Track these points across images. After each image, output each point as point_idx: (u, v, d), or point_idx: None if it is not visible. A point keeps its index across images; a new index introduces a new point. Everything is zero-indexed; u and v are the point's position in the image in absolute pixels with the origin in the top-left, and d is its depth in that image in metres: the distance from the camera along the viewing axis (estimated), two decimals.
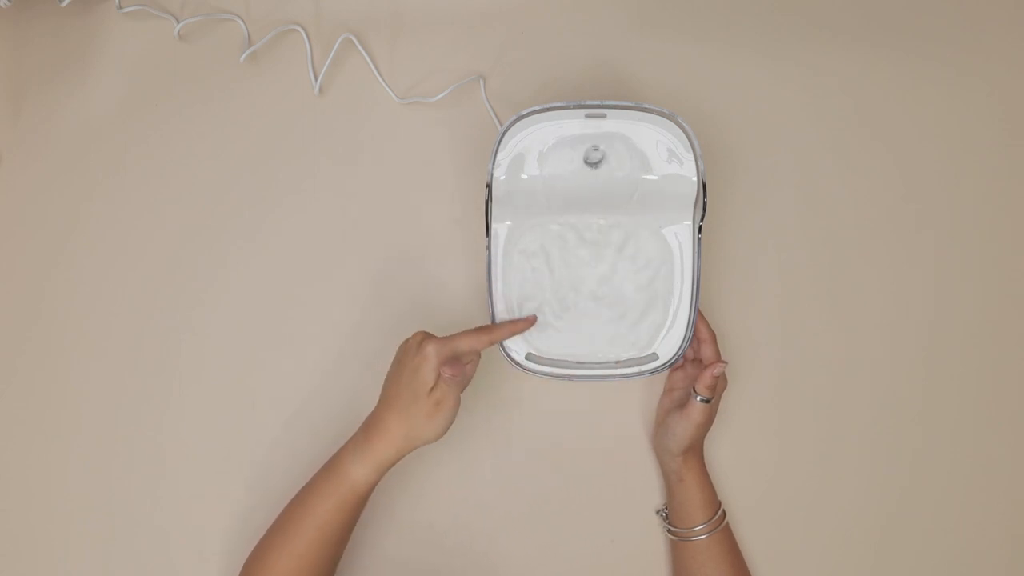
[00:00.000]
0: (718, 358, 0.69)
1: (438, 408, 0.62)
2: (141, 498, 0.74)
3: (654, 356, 0.69)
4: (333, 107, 0.78)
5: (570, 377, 0.68)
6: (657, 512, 0.73)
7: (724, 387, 0.69)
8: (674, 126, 0.66)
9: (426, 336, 0.63)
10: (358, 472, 0.63)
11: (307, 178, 0.78)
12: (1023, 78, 0.79)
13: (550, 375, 0.68)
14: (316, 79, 0.77)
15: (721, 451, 0.74)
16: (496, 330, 0.64)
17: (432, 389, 0.62)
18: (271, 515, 0.73)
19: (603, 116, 0.67)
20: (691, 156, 0.67)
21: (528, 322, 0.66)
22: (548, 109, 0.66)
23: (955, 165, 0.78)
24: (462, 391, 0.64)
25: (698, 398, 0.66)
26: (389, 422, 0.63)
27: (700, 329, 0.69)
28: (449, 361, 0.62)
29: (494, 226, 0.69)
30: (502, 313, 0.69)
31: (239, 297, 0.76)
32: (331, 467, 0.65)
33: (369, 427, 0.64)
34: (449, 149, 0.77)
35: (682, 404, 0.68)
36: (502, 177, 0.67)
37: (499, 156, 0.67)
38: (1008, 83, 0.78)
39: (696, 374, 0.70)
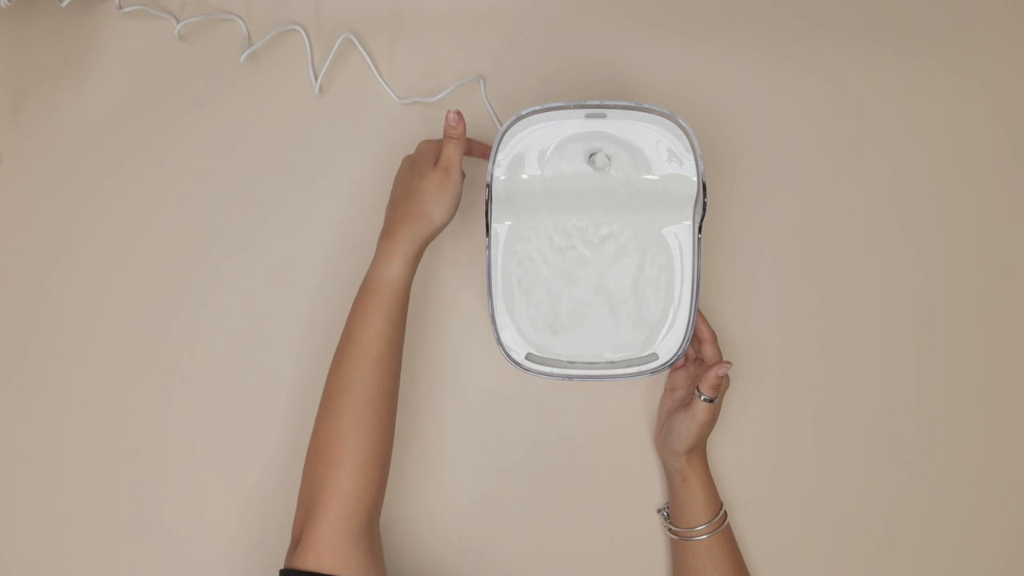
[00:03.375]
0: (720, 358, 0.69)
1: (447, 174, 0.65)
2: (142, 499, 0.74)
3: (654, 356, 0.69)
4: (333, 107, 0.78)
5: (570, 377, 0.68)
6: (658, 511, 0.74)
7: (727, 386, 0.69)
8: (674, 126, 0.66)
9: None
10: (390, 271, 0.64)
11: (307, 178, 0.78)
12: (1023, 79, 0.79)
13: (550, 375, 0.68)
14: (316, 79, 0.77)
15: (721, 451, 0.74)
16: (475, 143, 0.71)
17: (436, 162, 0.65)
18: (272, 515, 0.73)
19: (603, 116, 0.67)
20: (691, 156, 0.67)
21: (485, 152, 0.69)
22: (548, 109, 0.66)
23: (955, 165, 0.78)
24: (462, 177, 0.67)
25: (702, 397, 0.66)
26: (398, 216, 0.65)
27: (701, 329, 0.69)
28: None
29: (494, 226, 0.69)
30: (502, 314, 0.69)
31: (239, 296, 0.76)
32: (367, 291, 0.64)
33: (384, 233, 0.66)
34: None
35: (685, 404, 0.68)
36: (502, 177, 0.67)
37: (499, 156, 0.67)
38: (1008, 84, 0.78)
39: (698, 374, 0.70)
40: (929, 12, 0.79)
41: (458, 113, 0.64)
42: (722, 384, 0.67)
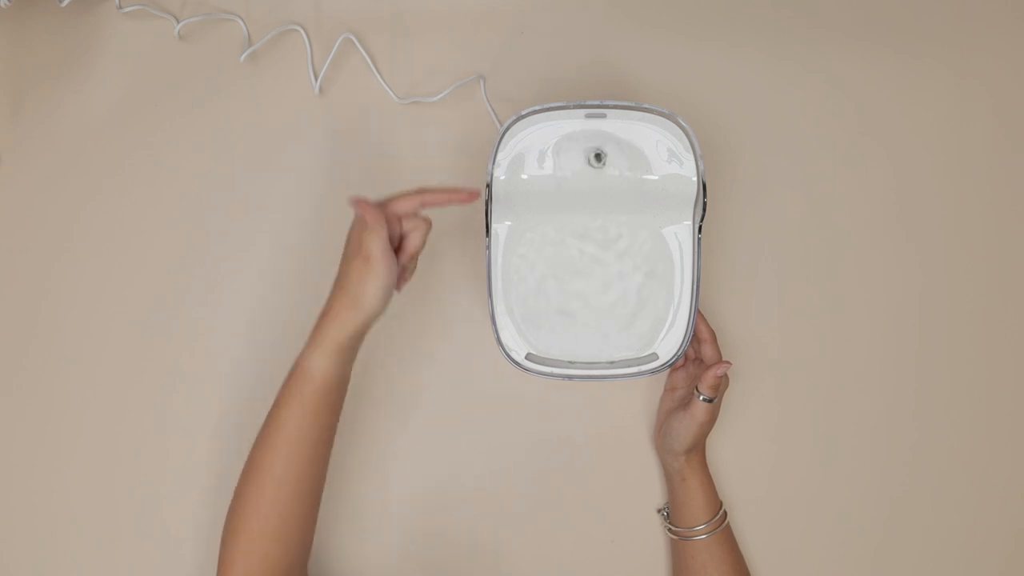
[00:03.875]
0: (719, 358, 0.69)
1: (367, 264, 0.59)
2: (142, 499, 0.74)
3: (654, 356, 0.69)
4: (333, 107, 0.78)
5: (570, 377, 0.68)
6: (658, 511, 0.74)
7: (726, 386, 0.69)
8: (674, 126, 0.66)
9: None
10: (313, 362, 0.61)
11: (307, 178, 0.78)
12: (1022, 79, 0.79)
13: (550, 375, 0.68)
14: (316, 79, 0.77)
15: (721, 451, 0.74)
16: (430, 192, 0.61)
17: (360, 248, 0.60)
18: None
19: (603, 116, 0.67)
20: (691, 156, 0.67)
21: (470, 195, 0.61)
22: (548, 109, 0.66)
23: (955, 165, 0.78)
24: (410, 261, 0.63)
25: (701, 397, 0.66)
26: (331, 301, 0.62)
27: (700, 329, 0.69)
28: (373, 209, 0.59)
29: (494, 226, 0.69)
30: (502, 314, 0.69)
31: (239, 296, 0.76)
32: (288, 376, 0.63)
33: (317, 321, 0.62)
34: (449, 149, 0.77)
35: (685, 404, 0.68)
36: (502, 177, 0.67)
37: (499, 156, 0.67)
38: (1008, 84, 0.78)
39: (698, 374, 0.70)
40: (929, 12, 0.79)
41: (358, 200, 0.59)
42: (721, 384, 0.67)
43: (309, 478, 0.62)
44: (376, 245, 0.59)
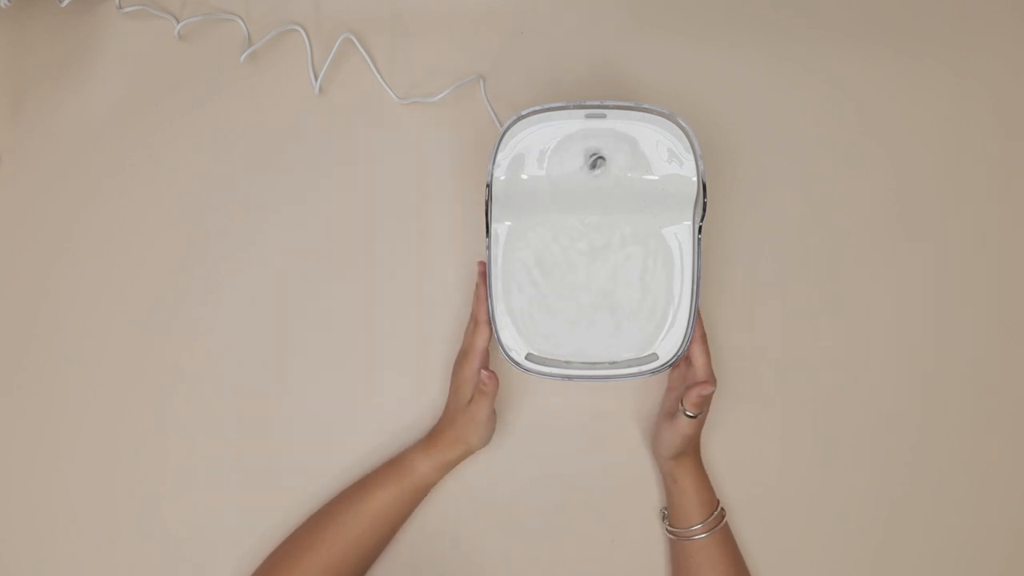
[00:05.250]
0: (703, 356, 0.68)
1: (473, 420, 0.68)
2: (142, 499, 0.74)
3: (654, 356, 0.69)
4: (333, 107, 0.78)
5: (569, 377, 0.68)
6: (661, 510, 0.74)
7: (709, 404, 0.68)
8: (674, 126, 0.66)
9: (461, 355, 0.70)
10: (423, 467, 0.69)
11: (307, 178, 0.78)
12: (1023, 79, 0.78)
13: (550, 375, 0.68)
14: (316, 79, 0.77)
15: (721, 451, 0.74)
16: (481, 321, 0.69)
17: (469, 403, 0.68)
18: (273, 515, 0.73)
19: (603, 116, 0.67)
20: (691, 156, 0.66)
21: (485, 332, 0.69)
22: (548, 109, 0.66)
23: (955, 165, 0.78)
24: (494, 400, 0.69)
25: (686, 413, 0.66)
26: (447, 429, 0.70)
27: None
28: (485, 365, 0.68)
29: (494, 226, 0.69)
30: (502, 314, 0.69)
31: (239, 296, 0.76)
32: (395, 462, 0.70)
33: (434, 433, 0.71)
34: (449, 149, 0.77)
35: (672, 413, 0.68)
36: (502, 177, 0.67)
37: (499, 156, 0.67)
38: (1008, 84, 0.78)
39: (688, 375, 0.70)
40: (929, 12, 0.79)
41: (491, 373, 0.67)
42: (706, 401, 0.66)
43: (368, 548, 0.68)
44: (484, 409, 0.68)
